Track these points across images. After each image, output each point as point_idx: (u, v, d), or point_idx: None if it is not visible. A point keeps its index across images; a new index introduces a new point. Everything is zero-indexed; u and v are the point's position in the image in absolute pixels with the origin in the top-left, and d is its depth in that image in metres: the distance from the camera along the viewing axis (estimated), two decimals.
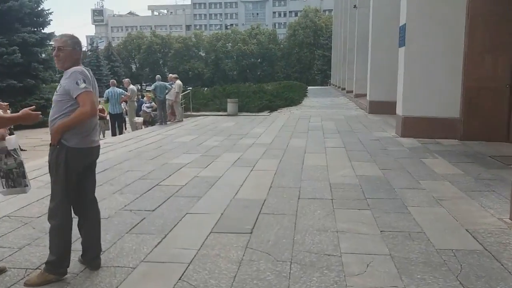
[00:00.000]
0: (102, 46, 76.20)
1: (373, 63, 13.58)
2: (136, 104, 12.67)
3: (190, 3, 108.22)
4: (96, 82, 2.83)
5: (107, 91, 11.36)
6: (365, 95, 18.43)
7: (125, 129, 13.07)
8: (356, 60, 19.10)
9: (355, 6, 18.88)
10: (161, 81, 12.38)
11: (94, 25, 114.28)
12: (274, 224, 3.71)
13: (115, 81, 11.74)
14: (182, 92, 14.11)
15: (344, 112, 15.06)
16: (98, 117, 2.96)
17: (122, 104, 11.94)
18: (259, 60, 75.46)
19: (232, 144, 8.15)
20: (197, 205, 4.31)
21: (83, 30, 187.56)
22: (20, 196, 4.61)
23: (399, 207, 4.20)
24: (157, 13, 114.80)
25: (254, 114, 15.00)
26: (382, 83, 13.40)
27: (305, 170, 5.78)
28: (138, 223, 3.79)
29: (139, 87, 66.31)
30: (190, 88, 68.31)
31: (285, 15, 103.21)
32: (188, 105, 15.50)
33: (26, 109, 2.60)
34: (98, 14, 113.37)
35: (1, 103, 9.93)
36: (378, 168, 5.94)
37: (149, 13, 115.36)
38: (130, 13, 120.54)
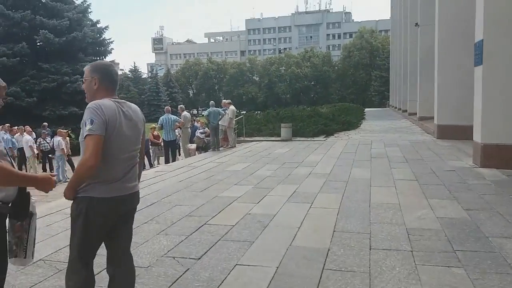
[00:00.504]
0: (161, 73, 79.89)
1: (440, 84, 12.42)
2: (189, 130, 12.54)
3: (244, 29, 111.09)
4: (135, 115, 2.33)
5: (161, 118, 11.33)
6: (431, 118, 17.09)
7: (179, 155, 12.94)
8: (420, 80, 17.84)
9: (416, 24, 17.79)
10: (215, 107, 12.16)
11: (154, 53, 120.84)
12: (343, 286, 2.99)
13: (169, 108, 11.72)
14: (235, 118, 13.82)
15: (409, 137, 13.89)
16: (138, 155, 2.44)
17: (176, 131, 11.83)
18: (312, 83, 74.75)
19: (286, 174, 7.51)
20: (248, 253, 3.69)
21: (144, 58, 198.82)
22: (59, 235, 4.30)
23: (500, 265, 3.30)
24: (213, 40, 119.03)
25: (309, 139, 14.31)
26: (452, 105, 12.21)
27: (373, 210, 4.98)
28: (180, 276, 3.24)
29: (196, 111, 68.16)
30: (244, 112, 69.24)
31: (339, 37, 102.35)
32: (241, 130, 15.19)
33: (47, 174, 2.10)
34: (158, 43, 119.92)
35: (61, 130, 10.11)
36: (462, 207, 4.99)
37: (205, 40, 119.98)
38: (188, 40, 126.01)
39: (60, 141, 11.70)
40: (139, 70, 76.28)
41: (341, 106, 30.65)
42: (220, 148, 12.61)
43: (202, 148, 13.55)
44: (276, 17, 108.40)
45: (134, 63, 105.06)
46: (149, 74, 70.34)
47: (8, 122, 15.57)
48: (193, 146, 12.00)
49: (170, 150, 11.39)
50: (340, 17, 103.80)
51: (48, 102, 17.77)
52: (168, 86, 66.88)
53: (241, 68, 79.40)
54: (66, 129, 12.36)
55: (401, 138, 13.52)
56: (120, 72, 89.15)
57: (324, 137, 15.04)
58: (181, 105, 12.59)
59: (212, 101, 12.51)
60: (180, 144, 12.62)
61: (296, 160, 9.23)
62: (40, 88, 17.31)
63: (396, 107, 35.63)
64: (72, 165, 12.58)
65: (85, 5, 20.30)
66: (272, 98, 73.51)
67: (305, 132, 15.18)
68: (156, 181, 7.21)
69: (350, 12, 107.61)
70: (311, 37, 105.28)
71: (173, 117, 11.36)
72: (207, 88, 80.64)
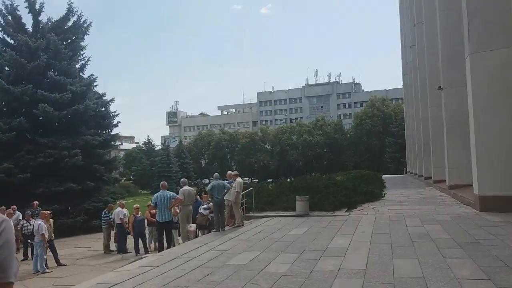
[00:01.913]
0: (174, 145, 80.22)
1: (480, 148, 10.73)
2: (191, 208, 10.80)
3: (256, 101, 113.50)
4: None
5: (155, 195, 9.69)
6: (464, 186, 15.22)
7: (178, 237, 11.10)
8: (447, 145, 16.20)
9: (439, 88, 16.58)
10: (219, 179, 10.60)
11: (168, 126, 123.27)
12: None
13: (165, 183, 10.08)
14: (243, 191, 12.14)
15: (445, 210, 11.90)
16: None
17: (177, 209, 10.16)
18: (325, 150, 73.74)
19: (307, 272, 5.63)
20: None
21: (159, 132, 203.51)
22: None
23: None
24: (226, 112, 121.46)
25: (329, 213, 12.40)
26: (496, 173, 10.43)
27: None
28: None
29: (207, 181, 66.55)
30: (256, 180, 67.72)
31: (349, 106, 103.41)
32: (250, 204, 13.39)
33: None
34: (172, 116, 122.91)
35: (44, 211, 8.33)
36: None
37: (218, 112, 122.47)
38: (201, 113, 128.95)
39: (40, 225, 10.08)
40: (153, 143, 76.91)
41: (357, 174, 28.80)
42: (226, 228, 10.80)
43: (206, 226, 11.71)
44: (287, 89, 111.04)
45: (148, 136, 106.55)
46: (161, 146, 70.38)
47: None
48: (192, 227, 10.19)
49: (165, 234, 9.59)
50: (350, 88, 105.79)
51: (43, 178, 16.51)
52: (180, 157, 66.49)
53: (253, 138, 79.40)
54: (47, 210, 10.78)
55: (437, 212, 11.54)
56: (133, 145, 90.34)
57: (347, 211, 13.13)
58: (183, 179, 10.97)
59: (216, 173, 10.97)
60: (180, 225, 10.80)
61: (318, 247, 7.34)
62: (36, 163, 16.16)
63: (415, 174, 33.67)
64: (54, 251, 10.82)
65: (91, 78, 19.90)
66: (284, 166, 72.27)
67: (324, 205, 13.31)
68: (132, 286, 5.41)
69: (359, 83, 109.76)
70: (321, 107, 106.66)
71: (170, 193, 9.72)
72: (220, 158, 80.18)
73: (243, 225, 11.07)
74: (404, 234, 8.18)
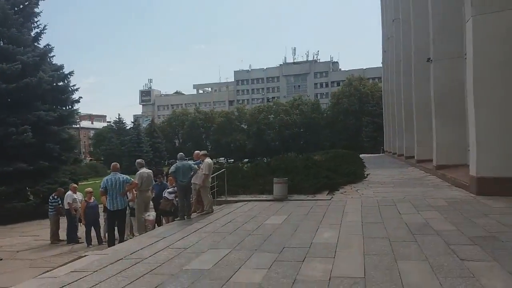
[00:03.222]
0: (146, 124, 77.49)
1: (479, 125, 9.55)
2: (150, 194, 9.16)
3: (233, 80, 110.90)
4: None
5: (105, 179, 8.00)
6: (453, 166, 14.26)
7: (132, 232, 9.51)
8: (435, 123, 15.12)
9: (429, 60, 15.33)
10: (184, 159, 9.04)
11: (141, 105, 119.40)
12: None
13: (117, 165, 8.34)
14: (213, 173, 10.64)
15: (437, 193, 10.78)
16: None
17: (128, 195, 8.57)
18: (302, 130, 72.95)
19: (289, 282, 4.24)
20: None
21: (133, 111, 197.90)
22: None
23: None
24: (201, 91, 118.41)
25: (309, 198, 11.11)
26: (496, 153, 9.32)
27: None
28: None
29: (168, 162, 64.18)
30: (232, 160, 66.45)
31: (326, 85, 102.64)
32: (222, 187, 11.91)
33: None
34: (145, 95, 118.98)
35: None
36: None
37: (194, 91, 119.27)
38: (176, 92, 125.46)
39: None
40: (124, 122, 74.09)
41: (335, 153, 27.64)
42: (192, 215, 9.33)
43: (171, 212, 10.18)
44: (265, 68, 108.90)
45: (119, 115, 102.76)
46: (133, 125, 67.71)
47: None
48: (151, 216, 8.59)
49: (117, 224, 8.01)
50: (328, 67, 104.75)
51: None
52: (152, 137, 64.31)
53: (229, 117, 77.66)
54: None
55: (429, 195, 10.41)
56: (104, 124, 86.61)
57: (328, 194, 11.88)
58: (139, 160, 9.21)
59: (180, 153, 9.36)
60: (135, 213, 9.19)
61: (301, 242, 5.97)
62: None
63: (394, 153, 33.04)
64: None
65: (47, 48, 17.57)
66: (261, 146, 71.11)
67: (303, 188, 12.02)
68: None
69: (337, 62, 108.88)
70: (299, 86, 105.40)
71: (123, 176, 8.06)
72: (194, 137, 78.19)
73: (212, 211, 9.61)
74: (400, 224, 6.93)
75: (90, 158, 71.23)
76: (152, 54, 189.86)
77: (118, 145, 61.54)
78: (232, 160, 70.02)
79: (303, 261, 4.97)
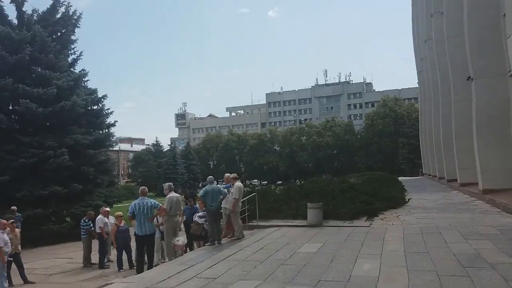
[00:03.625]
0: (182, 146, 78.85)
1: None
2: (178, 219, 8.87)
3: (265, 102, 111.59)
4: None
5: (133, 203, 7.82)
6: (502, 190, 13.21)
7: (163, 255, 9.24)
8: (478, 144, 14.18)
9: (469, 78, 14.56)
10: (213, 182, 8.79)
11: (178, 128, 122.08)
12: None
13: (145, 189, 8.10)
14: (244, 196, 10.32)
15: (486, 220, 9.92)
16: None
17: (158, 219, 8.37)
18: (335, 151, 71.60)
19: None
20: None
21: (169, 134, 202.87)
22: None
23: None
24: (234, 114, 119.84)
25: (346, 224, 10.52)
26: None
27: None
28: None
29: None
30: (265, 182, 65.58)
31: (360, 106, 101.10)
32: (254, 211, 11.55)
33: None
34: (181, 118, 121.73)
35: (3, 221, 6.22)
36: None
37: (227, 114, 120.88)
38: (210, 115, 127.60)
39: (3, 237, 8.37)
40: (161, 144, 75.90)
41: (372, 176, 26.48)
42: (222, 241, 8.99)
43: (201, 237, 9.86)
44: (296, 90, 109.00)
45: (156, 138, 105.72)
46: (169, 148, 69.16)
47: None
48: (180, 241, 8.29)
49: (146, 249, 7.79)
50: (361, 88, 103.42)
51: (26, 181, 14.87)
52: (187, 159, 65.08)
53: (262, 139, 77.63)
54: (9, 220, 9.03)
55: (477, 222, 9.58)
56: (143, 147, 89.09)
57: (367, 220, 11.24)
58: (167, 184, 8.92)
59: (210, 176, 9.12)
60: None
61: (338, 275, 5.47)
62: (17, 165, 14.48)
63: (434, 176, 31.52)
64: (20, 266, 9.12)
65: (82, 72, 18.16)
66: (294, 168, 70.30)
67: (339, 213, 11.44)
68: None
69: (370, 83, 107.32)
70: (331, 107, 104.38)
71: (151, 201, 7.87)
72: (228, 159, 78.57)
73: (243, 237, 9.25)
74: (448, 255, 6.29)
75: (126, 180, 72.89)
76: (186, 79, 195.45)
77: (155, 167, 62.87)
78: (266, 182, 69.56)
79: None
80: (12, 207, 13.43)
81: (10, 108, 15.77)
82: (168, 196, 8.24)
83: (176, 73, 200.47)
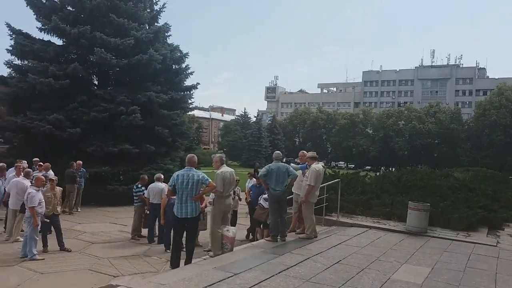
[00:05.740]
0: (268, 120, 77.91)
1: None
2: (230, 201, 6.60)
3: (361, 81, 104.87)
4: None
5: (175, 174, 5.67)
6: None
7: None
8: None
9: None
10: (281, 160, 6.56)
11: (266, 101, 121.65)
12: None
13: (194, 157, 5.63)
14: (323, 183, 7.91)
15: None
16: None
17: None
18: (436, 141, 64.14)
19: None
20: None
21: (259, 106, 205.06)
22: None
23: None
24: (326, 91, 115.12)
25: (461, 236, 7.59)
26: None
27: None
28: None
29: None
30: (352, 166, 61.36)
31: (470, 93, 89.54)
32: (335, 202, 9.09)
33: None
34: (271, 91, 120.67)
35: (41, 177, 4.97)
36: None
37: (318, 90, 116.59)
38: (300, 90, 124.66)
39: (30, 194, 7.22)
40: (248, 116, 75.82)
41: (481, 173, 21.50)
42: (287, 237, 6.79)
43: (266, 225, 7.78)
44: (397, 70, 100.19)
45: (245, 109, 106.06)
46: (255, 120, 68.71)
47: (41, 156, 12.22)
48: (230, 232, 6.18)
49: (186, 237, 5.87)
50: (473, 73, 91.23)
51: (97, 136, 14.20)
52: (272, 133, 63.80)
53: (353, 119, 72.79)
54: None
55: None
56: (233, 117, 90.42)
57: (489, 233, 8.15)
58: (219, 154, 6.56)
59: (277, 151, 6.88)
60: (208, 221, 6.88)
61: None
62: (89, 118, 13.79)
63: None
64: (58, 231, 8.00)
65: (165, 26, 16.83)
66: (386, 154, 64.81)
67: (451, 220, 8.49)
68: None
69: (484, 68, 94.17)
70: (436, 92, 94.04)
71: (200, 174, 5.82)
72: (314, 138, 75.58)
73: (315, 237, 6.93)
74: None
75: (204, 147, 74.12)
76: (281, 52, 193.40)
77: (241, 138, 63.20)
78: (353, 165, 65.59)
79: None
80: (76, 161, 12.83)
81: (81, 56, 15.09)
82: (220, 171, 6.21)
83: (272, 47, 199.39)
